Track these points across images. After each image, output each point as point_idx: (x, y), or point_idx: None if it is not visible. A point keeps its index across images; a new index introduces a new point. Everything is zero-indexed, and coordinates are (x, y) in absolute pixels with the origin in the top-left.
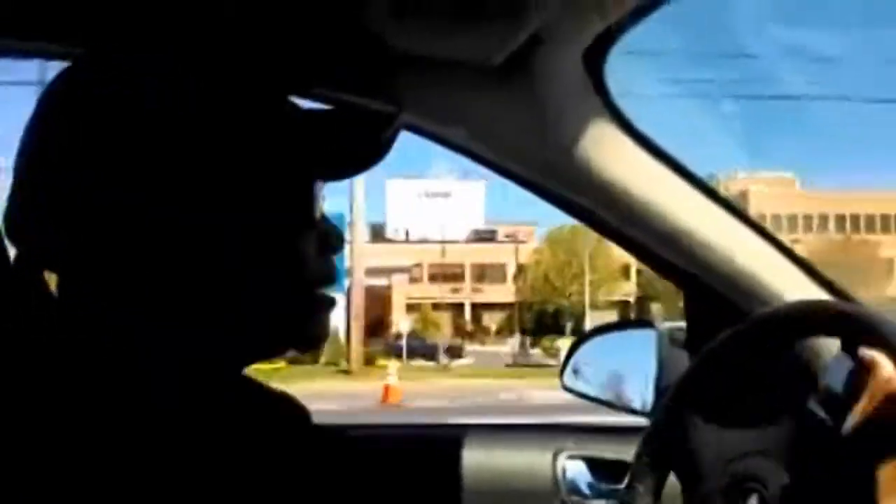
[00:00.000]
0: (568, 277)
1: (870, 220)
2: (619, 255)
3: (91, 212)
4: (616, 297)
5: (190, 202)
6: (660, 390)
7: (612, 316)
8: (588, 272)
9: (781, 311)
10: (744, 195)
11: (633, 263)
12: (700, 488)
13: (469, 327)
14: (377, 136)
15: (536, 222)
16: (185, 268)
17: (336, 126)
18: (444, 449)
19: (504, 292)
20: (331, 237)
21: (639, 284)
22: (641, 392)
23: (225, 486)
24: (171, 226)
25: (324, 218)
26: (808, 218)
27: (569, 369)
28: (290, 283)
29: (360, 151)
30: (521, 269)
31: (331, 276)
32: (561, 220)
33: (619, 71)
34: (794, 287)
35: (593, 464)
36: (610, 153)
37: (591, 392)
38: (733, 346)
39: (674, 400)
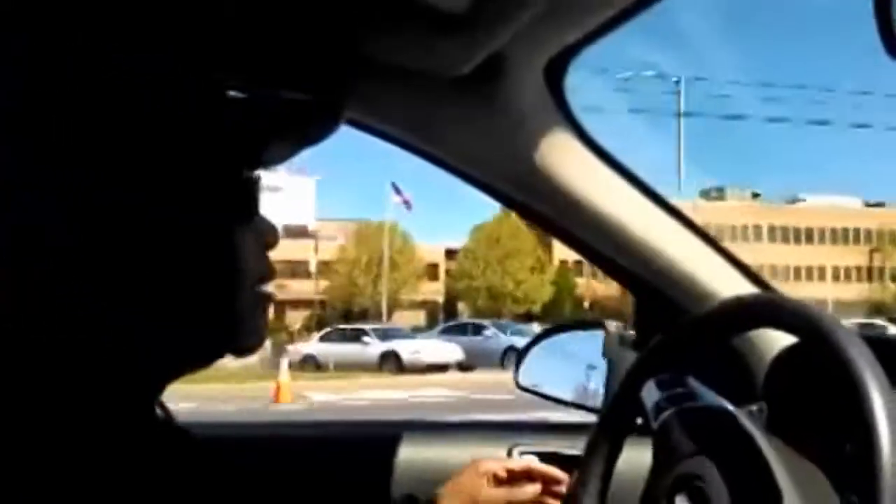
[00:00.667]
0: (372, 276)
1: None
2: (426, 254)
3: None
4: (422, 297)
5: (123, 197)
6: (609, 389)
7: (417, 316)
8: (392, 270)
9: (714, 310)
10: None
11: (442, 263)
12: (645, 486)
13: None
14: (313, 125)
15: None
16: (118, 266)
17: (273, 116)
18: (398, 445)
19: (310, 289)
20: (268, 233)
21: (446, 284)
22: (592, 390)
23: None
24: (100, 221)
25: (260, 214)
26: None
27: (522, 368)
28: (230, 281)
29: (293, 140)
30: (325, 265)
31: (269, 273)
32: (374, 217)
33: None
34: (729, 284)
35: (546, 459)
36: (567, 162)
37: (544, 390)
38: (669, 346)
39: (617, 400)
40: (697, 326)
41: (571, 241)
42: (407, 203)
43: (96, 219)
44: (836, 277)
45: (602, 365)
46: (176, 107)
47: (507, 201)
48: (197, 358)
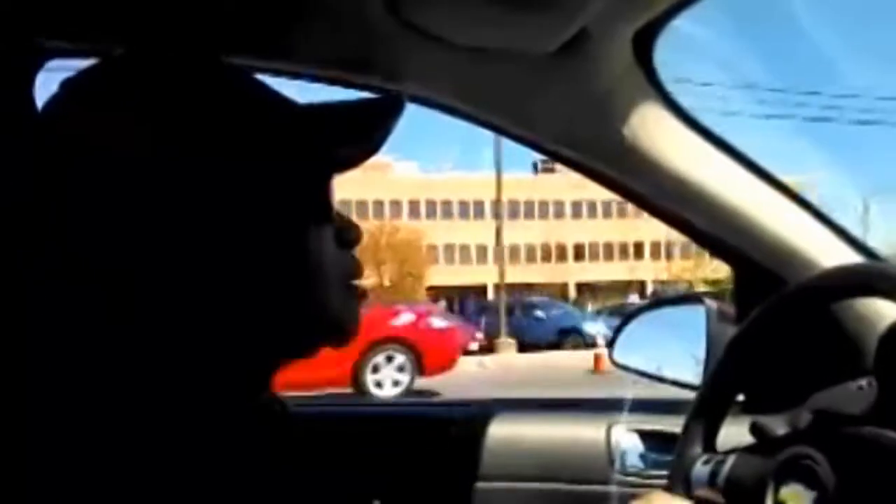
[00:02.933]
0: None
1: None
2: None
3: (116, 212)
4: None
5: (201, 203)
6: (708, 365)
7: None
8: None
9: (817, 278)
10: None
11: None
12: (747, 469)
13: None
14: (383, 124)
15: None
16: (207, 273)
17: (345, 119)
18: (493, 424)
19: None
20: (348, 231)
21: None
22: (691, 366)
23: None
24: (183, 229)
25: (339, 213)
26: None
27: (618, 344)
28: (315, 281)
29: (367, 142)
30: None
31: (355, 270)
32: None
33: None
34: (835, 255)
35: (646, 436)
36: (659, 135)
37: (641, 367)
38: (770, 317)
39: (716, 375)
40: (798, 296)
41: (665, 216)
42: None
43: (189, 224)
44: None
45: (701, 340)
46: (249, 114)
47: (599, 178)
48: (292, 352)
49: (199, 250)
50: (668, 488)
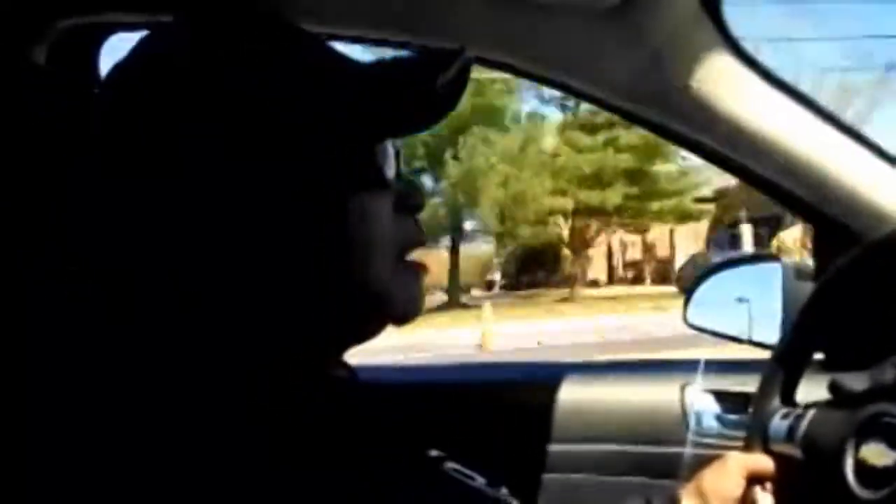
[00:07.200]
0: None
1: None
2: None
3: (159, 187)
4: None
5: (254, 177)
6: (786, 323)
7: None
8: None
9: (893, 232)
10: None
11: None
12: (827, 426)
13: None
14: (444, 89)
15: None
16: (255, 253)
17: (401, 80)
18: (563, 386)
19: None
20: (409, 195)
21: None
22: (767, 325)
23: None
24: (236, 204)
25: (400, 177)
26: None
27: (692, 305)
28: (370, 252)
29: (427, 107)
30: None
31: (415, 239)
32: None
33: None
34: None
35: (720, 396)
36: (729, 86)
37: (716, 327)
38: (849, 274)
39: (794, 333)
40: (880, 250)
41: (736, 169)
42: None
43: (245, 205)
44: None
45: (777, 299)
46: (302, 83)
47: (668, 133)
48: (350, 334)
49: (218, 239)
50: (745, 447)
